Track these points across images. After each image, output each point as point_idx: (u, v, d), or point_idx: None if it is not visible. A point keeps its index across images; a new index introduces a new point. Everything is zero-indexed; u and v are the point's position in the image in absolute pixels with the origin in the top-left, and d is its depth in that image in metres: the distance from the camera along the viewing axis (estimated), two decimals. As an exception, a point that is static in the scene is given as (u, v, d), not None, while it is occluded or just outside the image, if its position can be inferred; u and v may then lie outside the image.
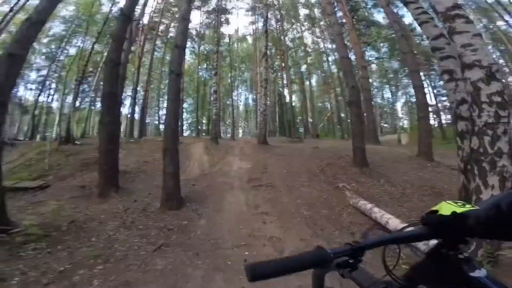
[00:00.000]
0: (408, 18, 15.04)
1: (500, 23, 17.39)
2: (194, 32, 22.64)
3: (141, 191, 5.93)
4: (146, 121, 22.55)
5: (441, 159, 7.77)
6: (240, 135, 35.02)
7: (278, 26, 19.38)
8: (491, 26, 17.97)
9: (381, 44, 19.37)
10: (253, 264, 0.53)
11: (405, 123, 29.54)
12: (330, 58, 25.57)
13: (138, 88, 19.76)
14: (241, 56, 28.08)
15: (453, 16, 2.89)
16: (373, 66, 22.43)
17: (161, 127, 26.24)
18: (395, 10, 12.70)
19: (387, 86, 26.55)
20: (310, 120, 26.66)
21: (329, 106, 29.61)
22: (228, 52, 23.14)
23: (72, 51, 19.49)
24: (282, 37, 19.16)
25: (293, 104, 20.53)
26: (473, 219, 0.55)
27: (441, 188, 5.56)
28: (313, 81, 26.88)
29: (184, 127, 38.38)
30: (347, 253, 0.59)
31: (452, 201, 0.63)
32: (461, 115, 3.17)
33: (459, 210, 0.59)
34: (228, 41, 22.09)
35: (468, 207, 0.59)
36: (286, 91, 25.64)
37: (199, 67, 24.87)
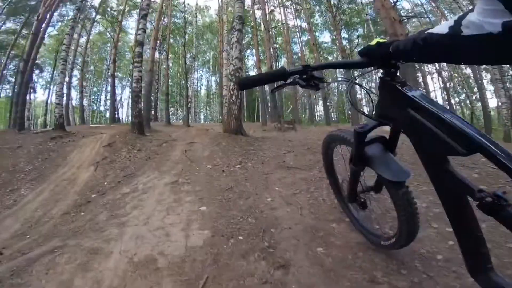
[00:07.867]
0: None
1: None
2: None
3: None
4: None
5: None
6: (202, 121, 28.27)
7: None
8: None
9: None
10: (242, 78, 0.96)
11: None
12: (303, 38, 21.83)
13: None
14: (201, 29, 23.52)
15: None
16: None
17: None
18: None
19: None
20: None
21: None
22: (183, 25, 15.63)
23: None
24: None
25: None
26: (394, 46, 0.76)
27: None
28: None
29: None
30: (299, 71, 0.86)
31: (381, 38, 0.89)
32: None
33: (382, 41, 0.82)
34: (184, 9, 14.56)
35: (389, 40, 0.81)
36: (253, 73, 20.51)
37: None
